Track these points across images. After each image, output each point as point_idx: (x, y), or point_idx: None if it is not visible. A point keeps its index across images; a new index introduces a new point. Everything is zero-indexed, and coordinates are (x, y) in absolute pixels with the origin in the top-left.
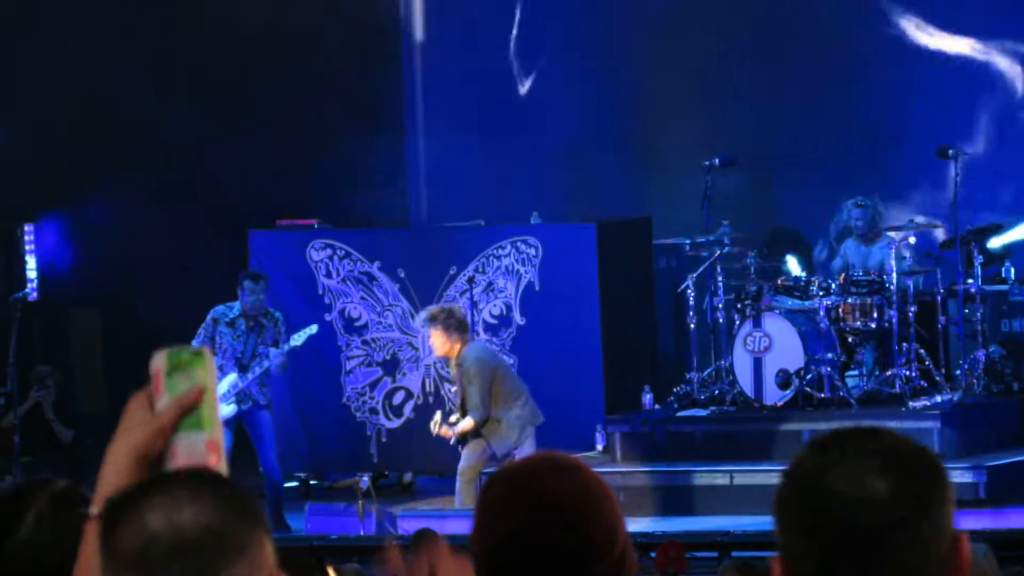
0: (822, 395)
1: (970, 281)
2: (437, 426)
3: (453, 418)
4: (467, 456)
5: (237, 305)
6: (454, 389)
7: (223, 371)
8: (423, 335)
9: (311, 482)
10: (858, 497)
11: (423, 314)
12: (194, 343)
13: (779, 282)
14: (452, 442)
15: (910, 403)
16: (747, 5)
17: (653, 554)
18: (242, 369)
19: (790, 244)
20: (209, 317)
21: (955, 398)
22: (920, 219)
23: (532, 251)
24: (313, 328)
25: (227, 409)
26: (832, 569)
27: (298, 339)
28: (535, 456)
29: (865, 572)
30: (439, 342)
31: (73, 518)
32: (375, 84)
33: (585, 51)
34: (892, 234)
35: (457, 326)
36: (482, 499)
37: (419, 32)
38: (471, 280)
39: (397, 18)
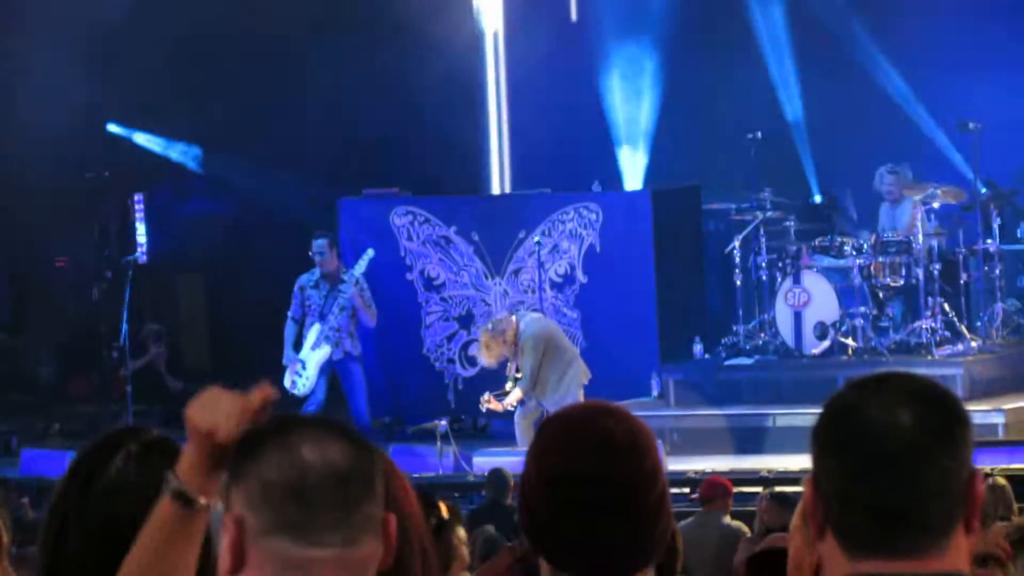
0: (856, 345)
1: (989, 241)
2: (487, 403)
3: (508, 385)
4: (523, 411)
5: (318, 269)
6: (510, 365)
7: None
8: (494, 292)
9: (395, 427)
10: (887, 423)
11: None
12: (290, 313)
13: (816, 243)
14: (502, 411)
15: (935, 352)
16: None
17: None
18: (322, 318)
19: (827, 209)
20: (296, 287)
21: (976, 347)
22: (943, 186)
23: (593, 216)
24: (370, 252)
25: (321, 353)
26: (857, 488)
27: (360, 267)
28: (587, 402)
29: (885, 493)
30: (496, 351)
31: (160, 464)
32: (454, 63)
33: (646, 27)
34: (918, 198)
35: (501, 332)
36: (539, 440)
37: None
38: (539, 242)
39: None
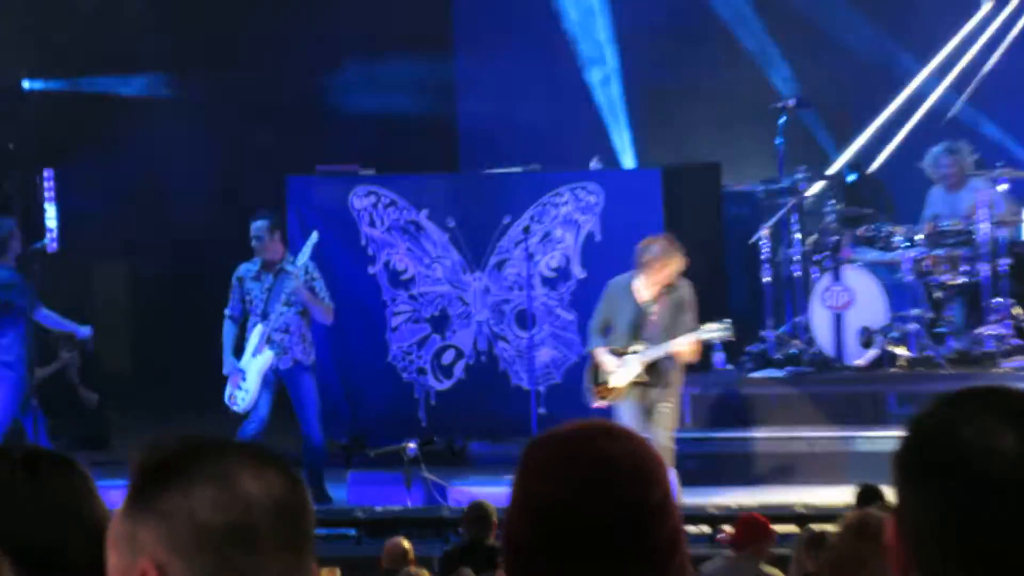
0: (908, 355)
1: None
2: (601, 395)
3: (613, 365)
4: (667, 413)
5: (259, 258)
6: (648, 316)
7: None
8: (473, 288)
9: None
10: (990, 448)
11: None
12: (227, 310)
13: (860, 232)
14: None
15: (1003, 364)
16: None
17: (725, 528)
18: (264, 317)
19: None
20: (234, 278)
21: None
22: (1011, 166)
23: (592, 199)
24: (314, 236)
25: (263, 359)
26: (955, 521)
27: (303, 254)
28: (581, 421)
29: (988, 527)
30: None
31: (27, 485)
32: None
33: None
34: (981, 180)
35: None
36: (526, 464)
37: None
38: (526, 230)
39: None
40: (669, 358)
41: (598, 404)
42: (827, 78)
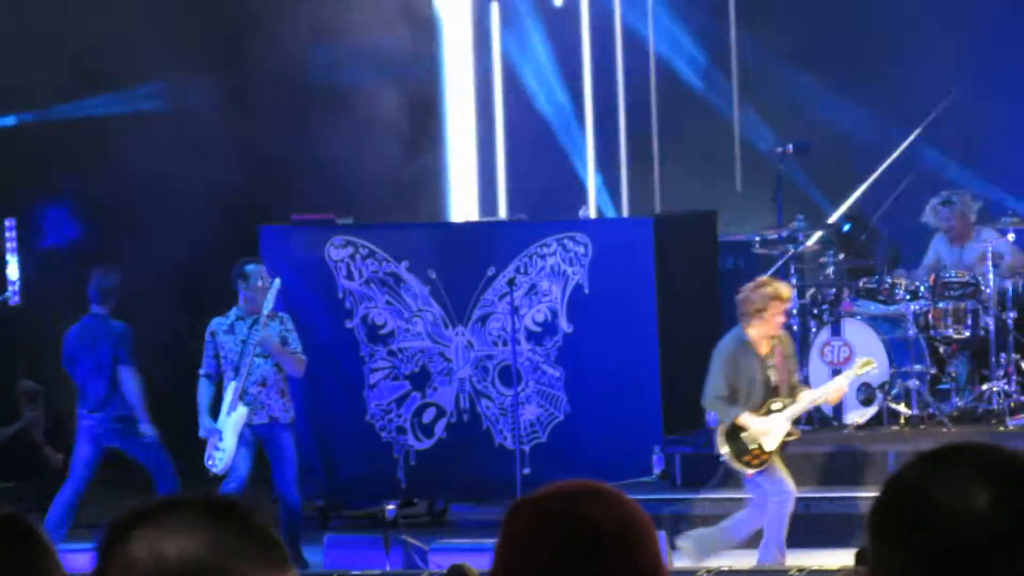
0: (910, 413)
1: None
2: (750, 463)
3: (764, 427)
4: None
5: (233, 310)
6: (773, 374)
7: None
8: (456, 344)
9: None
10: (961, 511)
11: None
12: (202, 369)
13: (861, 284)
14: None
15: (1009, 422)
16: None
17: None
18: (237, 371)
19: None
20: (207, 333)
21: None
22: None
23: (581, 249)
24: (277, 283)
25: (237, 416)
26: None
27: (268, 303)
28: (568, 482)
29: None
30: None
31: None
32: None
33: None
34: (988, 230)
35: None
36: (509, 528)
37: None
38: (512, 282)
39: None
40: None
41: (752, 473)
42: (827, 125)
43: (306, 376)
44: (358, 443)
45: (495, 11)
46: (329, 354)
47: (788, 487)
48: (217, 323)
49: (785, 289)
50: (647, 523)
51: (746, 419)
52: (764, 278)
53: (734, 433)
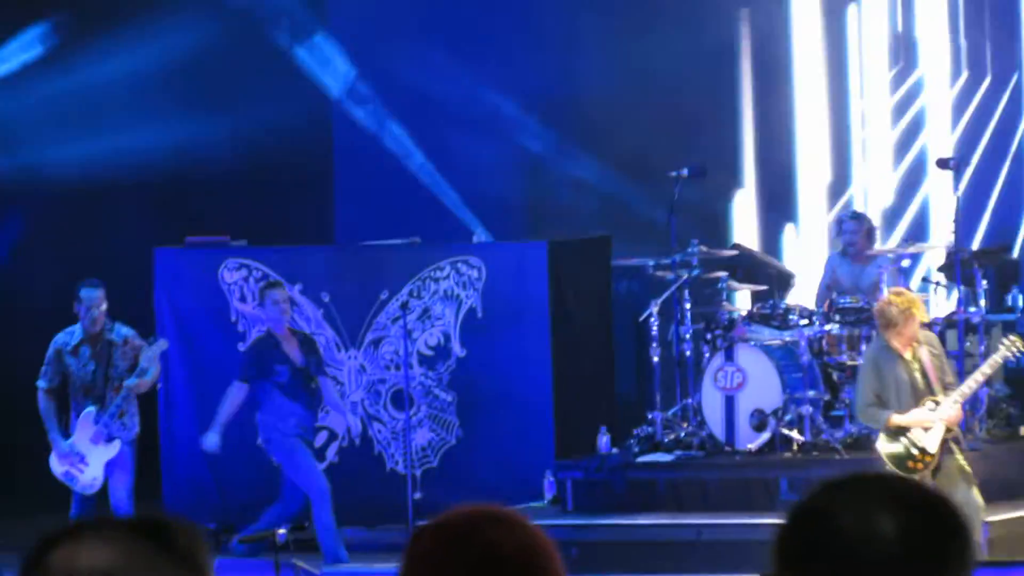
0: (803, 439)
1: (972, 309)
2: (919, 467)
3: (931, 403)
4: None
5: (78, 328)
6: (919, 373)
7: (77, 408)
8: (348, 367)
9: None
10: (865, 533)
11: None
12: (42, 383)
13: (755, 310)
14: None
15: None
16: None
17: None
18: (97, 401)
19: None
20: (51, 350)
21: None
22: (916, 241)
23: (474, 273)
24: (163, 344)
25: (107, 451)
26: None
27: (152, 360)
28: (470, 507)
29: None
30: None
31: None
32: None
33: (540, 46)
34: (885, 257)
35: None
36: (413, 552)
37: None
38: (405, 306)
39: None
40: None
41: (925, 475)
42: (722, 149)
43: (200, 399)
44: (252, 466)
45: None
46: (222, 377)
47: (969, 500)
48: (62, 341)
49: (916, 303)
50: (549, 550)
51: (905, 418)
52: (898, 289)
53: (895, 439)
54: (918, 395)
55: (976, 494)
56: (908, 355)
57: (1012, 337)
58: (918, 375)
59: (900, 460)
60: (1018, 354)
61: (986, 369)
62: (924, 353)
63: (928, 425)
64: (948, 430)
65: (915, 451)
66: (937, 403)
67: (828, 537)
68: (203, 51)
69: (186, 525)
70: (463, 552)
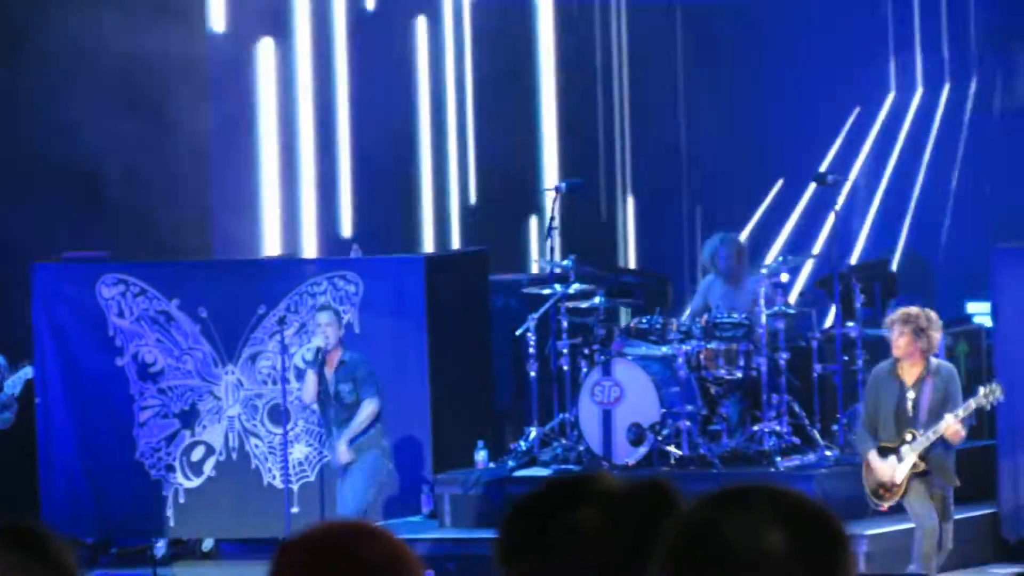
0: (680, 453)
1: (850, 324)
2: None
3: (910, 435)
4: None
5: None
6: (910, 402)
7: None
8: (226, 382)
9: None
10: (752, 550)
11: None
12: None
13: (632, 325)
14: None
15: (780, 463)
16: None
17: None
18: None
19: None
20: None
21: (832, 457)
22: (793, 256)
23: (351, 288)
24: (28, 371)
25: None
26: None
27: (14, 386)
28: (337, 521)
29: None
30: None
31: None
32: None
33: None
34: (762, 273)
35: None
36: (279, 567)
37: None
38: (282, 320)
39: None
40: (942, 442)
41: (886, 507)
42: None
43: (78, 414)
44: (128, 481)
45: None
46: (100, 392)
47: (925, 517)
48: None
49: (908, 313)
50: (415, 563)
51: (872, 458)
52: (901, 313)
53: (870, 465)
54: (903, 424)
55: (946, 528)
56: (910, 380)
57: (992, 386)
58: (910, 404)
59: (873, 488)
60: (995, 402)
61: (960, 413)
62: (928, 386)
63: (889, 468)
64: (915, 466)
65: (884, 480)
66: (914, 437)
67: (716, 551)
68: None
69: (55, 534)
70: (330, 566)
